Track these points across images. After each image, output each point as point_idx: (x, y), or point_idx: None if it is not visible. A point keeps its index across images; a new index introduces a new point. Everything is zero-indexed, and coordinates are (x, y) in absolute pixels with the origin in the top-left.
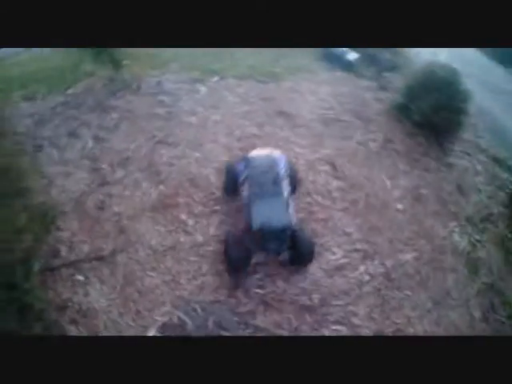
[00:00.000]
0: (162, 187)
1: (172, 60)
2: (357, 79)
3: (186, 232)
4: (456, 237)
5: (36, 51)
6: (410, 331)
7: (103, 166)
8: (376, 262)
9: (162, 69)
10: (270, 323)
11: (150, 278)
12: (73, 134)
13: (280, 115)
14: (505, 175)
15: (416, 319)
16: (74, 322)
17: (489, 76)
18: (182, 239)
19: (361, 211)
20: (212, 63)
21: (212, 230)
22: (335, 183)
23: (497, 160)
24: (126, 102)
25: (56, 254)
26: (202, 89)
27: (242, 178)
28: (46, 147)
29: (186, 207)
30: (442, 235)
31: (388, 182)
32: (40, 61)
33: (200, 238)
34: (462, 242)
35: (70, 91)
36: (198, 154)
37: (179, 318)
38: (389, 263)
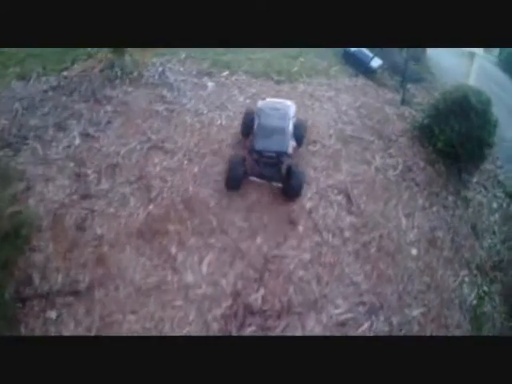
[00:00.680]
0: (151, 207)
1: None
2: (379, 89)
3: (174, 269)
4: (465, 289)
5: None
6: None
7: (88, 172)
8: (382, 318)
9: (168, 55)
10: None
11: (128, 324)
12: (60, 127)
13: None
14: None
15: None
16: None
17: (509, 95)
18: (168, 277)
19: (372, 256)
20: (224, 54)
21: (204, 269)
22: (348, 219)
23: None
24: (123, 93)
25: (28, 281)
26: (210, 84)
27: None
28: (31, 139)
29: (176, 236)
30: (452, 287)
31: (404, 221)
32: None
33: (189, 278)
34: (471, 295)
35: (65, 73)
36: (196, 169)
37: None
38: (395, 320)
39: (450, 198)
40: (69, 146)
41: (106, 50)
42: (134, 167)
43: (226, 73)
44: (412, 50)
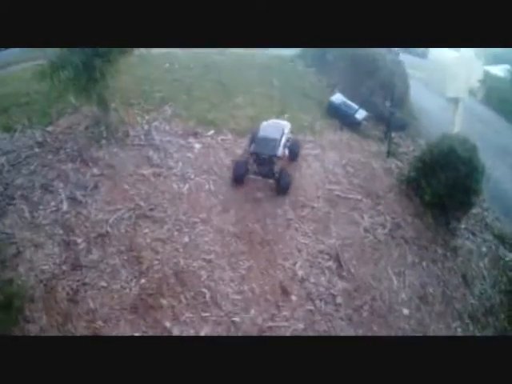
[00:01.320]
0: (143, 281)
1: (165, 102)
2: (364, 142)
3: None
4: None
5: (14, 70)
6: None
7: (78, 241)
8: None
9: (154, 113)
10: None
11: None
12: (47, 189)
13: None
14: (509, 255)
15: None
16: None
17: (494, 133)
18: None
19: (365, 319)
20: (208, 111)
21: None
22: (340, 285)
23: (501, 238)
24: (109, 155)
25: None
26: (196, 146)
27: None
28: (17, 199)
29: (170, 311)
30: None
31: (395, 281)
32: (22, 81)
33: None
34: None
35: (50, 128)
36: (186, 239)
37: None
38: None
39: (440, 251)
40: (56, 211)
41: (91, 103)
42: (123, 237)
43: (211, 132)
44: (395, 96)
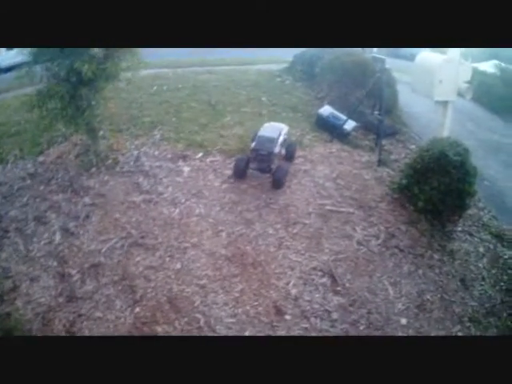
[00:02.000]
0: (138, 309)
1: (154, 126)
2: (355, 152)
3: None
4: None
5: (4, 97)
6: None
7: (72, 273)
8: None
9: (143, 138)
10: None
11: None
12: (40, 221)
13: (272, 210)
14: (508, 253)
15: None
16: None
17: (485, 131)
18: None
19: (362, 333)
20: (197, 133)
21: None
22: (335, 300)
23: (499, 236)
24: (99, 183)
25: None
26: (185, 169)
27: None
28: (12, 232)
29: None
30: None
31: (391, 291)
32: (12, 110)
33: None
34: None
35: (41, 158)
36: (179, 266)
37: None
38: None
39: (436, 256)
40: (50, 243)
41: (80, 131)
42: (116, 266)
43: (200, 154)
44: (384, 104)
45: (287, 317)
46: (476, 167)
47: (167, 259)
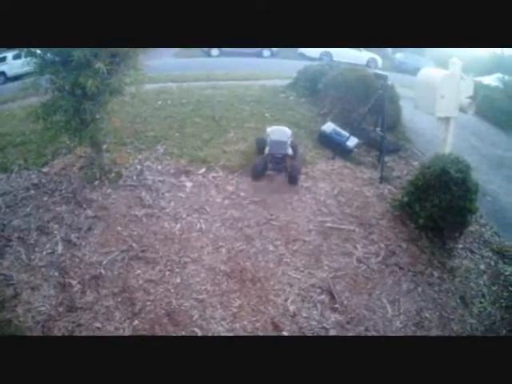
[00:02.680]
0: (136, 322)
1: (158, 140)
2: (357, 169)
3: None
4: None
5: (10, 107)
6: None
7: (73, 283)
8: None
9: (146, 152)
10: None
11: None
12: (43, 231)
13: (273, 226)
14: (509, 269)
15: None
16: None
17: (489, 146)
18: None
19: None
20: (200, 148)
21: None
22: (333, 317)
23: (500, 253)
24: (102, 197)
25: None
26: (188, 185)
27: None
28: (14, 241)
29: None
30: None
31: (389, 310)
32: (18, 120)
33: None
34: None
35: (45, 169)
36: (178, 280)
37: None
38: None
39: (436, 274)
40: (52, 253)
41: (84, 144)
42: (116, 279)
43: (203, 170)
44: (386, 120)
45: (285, 333)
46: (477, 184)
47: (167, 273)
